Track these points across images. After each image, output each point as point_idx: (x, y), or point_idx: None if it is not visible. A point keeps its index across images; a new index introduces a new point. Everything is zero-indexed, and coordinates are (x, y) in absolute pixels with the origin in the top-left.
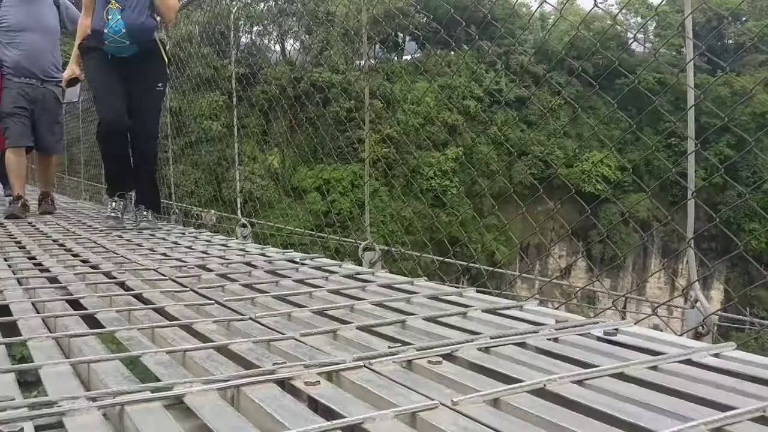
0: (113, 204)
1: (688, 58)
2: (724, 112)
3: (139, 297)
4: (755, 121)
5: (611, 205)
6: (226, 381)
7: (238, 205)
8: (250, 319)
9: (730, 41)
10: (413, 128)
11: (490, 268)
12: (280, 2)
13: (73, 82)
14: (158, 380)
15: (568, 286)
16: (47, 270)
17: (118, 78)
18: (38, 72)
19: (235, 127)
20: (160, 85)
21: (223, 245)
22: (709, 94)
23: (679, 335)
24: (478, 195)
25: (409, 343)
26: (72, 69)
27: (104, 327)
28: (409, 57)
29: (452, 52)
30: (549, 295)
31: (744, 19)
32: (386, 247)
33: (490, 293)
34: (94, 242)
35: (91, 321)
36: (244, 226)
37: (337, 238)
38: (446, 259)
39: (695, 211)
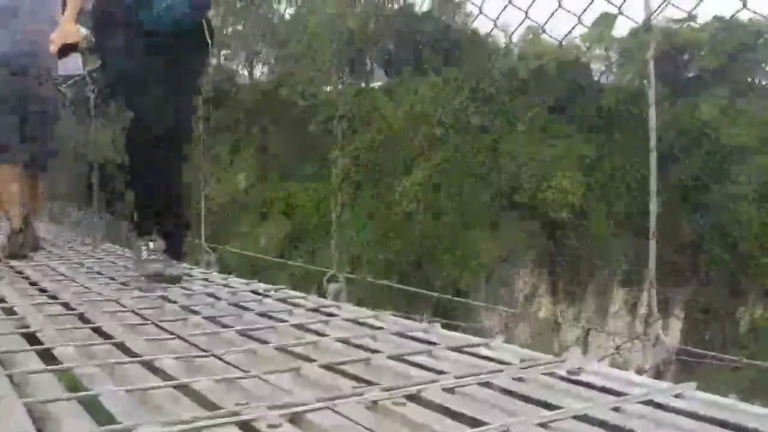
0: (152, 245)
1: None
2: (683, 139)
3: (98, 330)
4: (721, 150)
5: (575, 230)
6: (188, 423)
7: (202, 232)
8: (213, 355)
9: (692, 74)
10: (382, 151)
11: (455, 298)
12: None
13: (68, 49)
14: (117, 422)
15: (532, 315)
16: (2, 300)
17: (161, 61)
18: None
19: (201, 153)
20: (199, 78)
21: (186, 274)
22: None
23: (642, 374)
24: (447, 220)
25: (374, 383)
26: (68, 29)
27: (61, 363)
28: (378, 83)
29: (420, 78)
30: (513, 321)
31: (702, 53)
32: (352, 275)
33: (457, 326)
34: (53, 269)
35: (48, 356)
36: (208, 253)
37: (303, 265)
38: (411, 288)
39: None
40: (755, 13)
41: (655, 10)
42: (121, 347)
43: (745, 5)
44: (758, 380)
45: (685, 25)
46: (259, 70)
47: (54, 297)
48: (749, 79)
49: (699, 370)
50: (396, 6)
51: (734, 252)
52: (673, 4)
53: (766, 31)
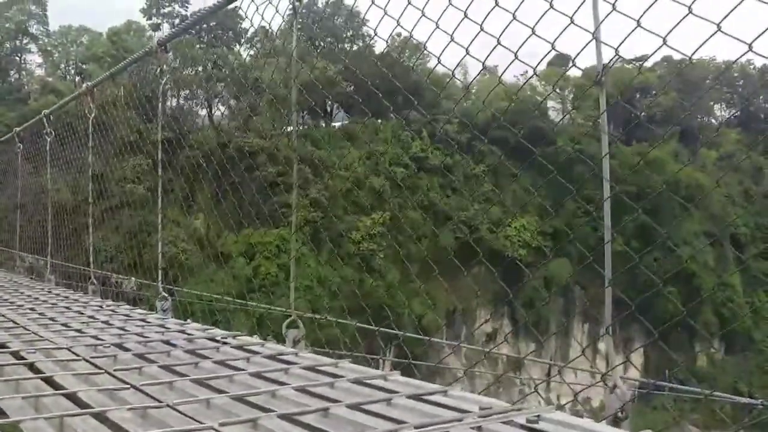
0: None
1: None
2: (637, 179)
3: (49, 380)
4: (674, 189)
5: (534, 269)
6: None
7: (159, 277)
8: (168, 406)
9: (643, 113)
10: (341, 193)
11: (417, 336)
12: (208, 69)
13: None
14: None
15: (495, 353)
16: None
17: None
18: None
19: (159, 197)
20: None
21: (142, 320)
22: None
23: (599, 421)
24: (406, 260)
25: None
26: None
27: (8, 416)
28: (338, 124)
29: (379, 120)
30: (475, 359)
31: (653, 93)
32: (311, 316)
33: (414, 363)
34: (3, 316)
35: None
36: (164, 298)
37: (262, 306)
38: (372, 328)
39: (613, 272)
40: (702, 56)
41: (606, 65)
42: (73, 398)
43: (690, 60)
44: (717, 412)
45: (637, 65)
46: (218, 110)
47: (3, 345)
48: (698, 118)
49: (658, 400)
50: (355, 48)
51: (690, 288)
52: (623, 58)
53: (714, 71)
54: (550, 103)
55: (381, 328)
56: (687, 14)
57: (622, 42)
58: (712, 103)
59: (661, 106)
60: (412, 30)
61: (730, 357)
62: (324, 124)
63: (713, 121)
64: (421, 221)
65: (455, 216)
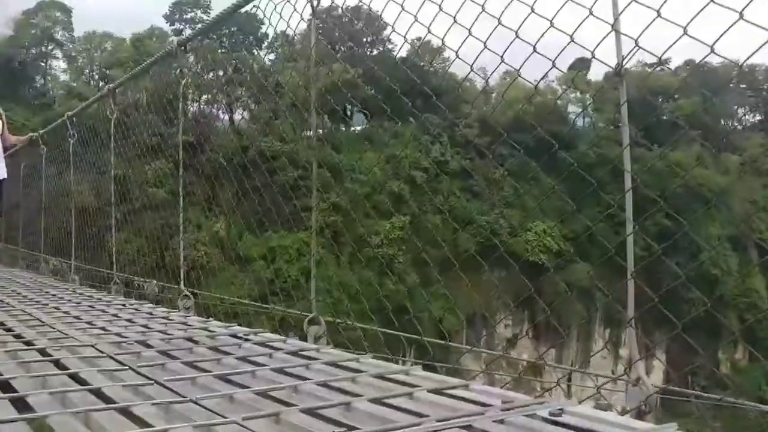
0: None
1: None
2: (660, 184)
3: (74, 377)
4: (696, 193)
5: (555, 273)
6: None
7: (182, 276)
8: (191, 401)
9: (665, 117)
10: (361, 197)
11: (437, 341)
12: (229, 73)
13: None
14: None
15: (515, 358)
16: None
17: None
18: None
19: (181, 198)
20: None
21: (165, 318)
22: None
23: (623, 414)
24: (426, 263)
25: (354, 428)
26: None
27: (35, 411)
28: (358, 128)
29: (399, 123)
30: (495, 364)
31: (676, 96)
32: (332, 319)
33: (435, 365)
34: (29, 315)
35: (22, 404)
36: (186, 297)
37: (282, 309)
38: (392, 332)
39: (635, 276)
40: (724, 58)
41: (625, 57)
42: (98, 394)
43: (712, 50)
44: (741, 418)
45: (658, 69)
46: (239, 115)
47: (30, 343)
48: (722, 122)
49: (680, 407)
50: (375, 52)
51: (713, 292)
52: (643, 49)
53: (736, 76)
54: (570, 108)
55: (401, 333)
56: (708, 2)
57: (642, 32)
58: (736, 107)
59: (684, 110)
60: (429, 25)
61: (756, 363)
62: (344, 128)
63: (737, 125)
64: (440, 225)
65: (475, 219)
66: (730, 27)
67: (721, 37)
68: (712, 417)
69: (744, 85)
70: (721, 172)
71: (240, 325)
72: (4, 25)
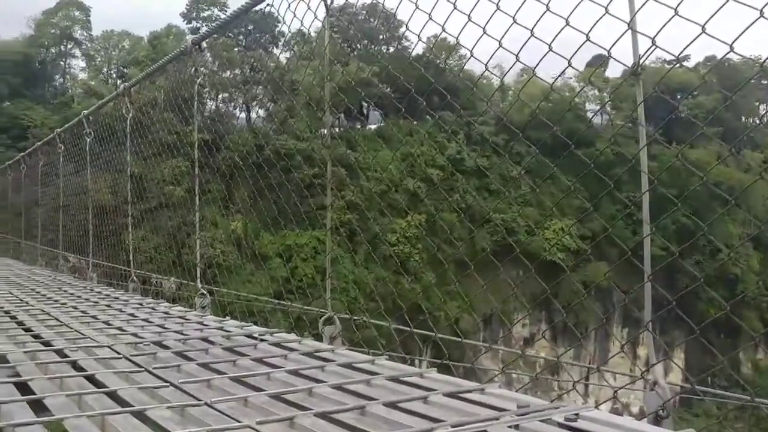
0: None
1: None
2: (678, 182)
3: (91, 378)
4: (715, 191)
5: (572, 272)
6: None
7: (198, 275)
8: (206, 404)
9: (683, 114)
10: (377, 195)
11: (453, 337)
12: (245, 71)
13: None
14: None
15: (532, 357)
16: None
17: None
18: None
19: (197, 196)
20: None
21: (181, 318)
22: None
23: (640, 419)
24: (442, 262)
25: None
26: None
27: (52, 413)
28: (373, 126)
29: (414, 122)
30: (513, 364)
31: (695, 93)
32: (348, 316)
33: (450, 367)
34: (48, 314)
35: (39, 406)
36: (203, 295)
37: (299, 307)
38: (408, 329)
39: (653, 279)
40: (742, 57)
41: (642, 57)
42: (114, 396)
43: (731, 49)
44: (763, 419)
45: (677, 66)
46: (255, 113)
47: (48, 344)
48: (743, 119)
49: (700, 405)
50: (390, 50)
51: (734, 291)
52: (660, 48)
53: (757, 73)
54: (588, 106)
55: (416, 330)
56: (726, 1)
57: (659, 31)
58: (757, 103)
59: (703, 108)
60: (444, 23)
61: None
62: (360, 126)
63: (758, 121)
64: (456, 223)
65: (491, 217)
66: (749, 26)
67: (740, 36)
68: (734, 418)
69: (766, 81)
70: (743, 169)
71: (256, 323)
72: (25, 25)
